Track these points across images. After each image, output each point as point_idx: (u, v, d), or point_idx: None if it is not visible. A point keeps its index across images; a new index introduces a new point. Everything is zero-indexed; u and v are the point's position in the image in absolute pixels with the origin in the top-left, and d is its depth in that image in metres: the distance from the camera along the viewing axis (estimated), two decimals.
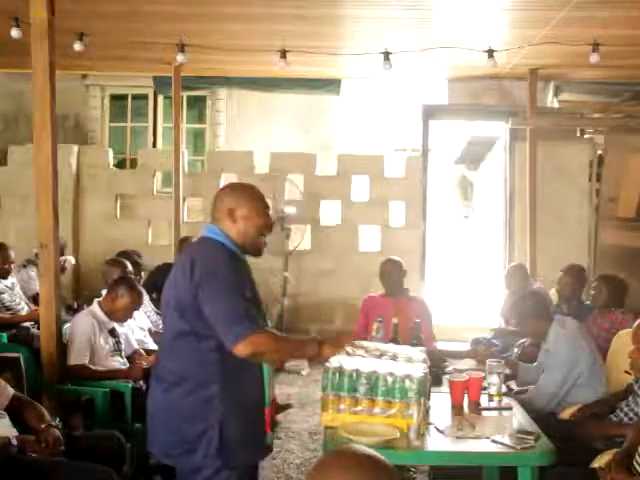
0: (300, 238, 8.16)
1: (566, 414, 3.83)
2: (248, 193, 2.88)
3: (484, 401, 3.60)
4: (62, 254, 6.52)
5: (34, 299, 6.03)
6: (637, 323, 3.25)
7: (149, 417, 2.85)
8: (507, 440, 3.08)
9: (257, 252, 2.90)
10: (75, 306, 6.26)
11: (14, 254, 6.06)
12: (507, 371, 4.09)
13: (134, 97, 10.18)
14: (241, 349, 2.61)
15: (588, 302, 5.49)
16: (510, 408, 3.58)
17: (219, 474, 2.69)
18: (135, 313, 4.88)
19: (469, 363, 4.47)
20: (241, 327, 2.62)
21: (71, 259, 7.35)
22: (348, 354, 3.22)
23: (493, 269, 8.94)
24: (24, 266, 6.67)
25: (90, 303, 4.76)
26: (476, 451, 3.10)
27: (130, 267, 5.75)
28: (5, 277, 5.97)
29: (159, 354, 2.97)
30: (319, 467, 1.56)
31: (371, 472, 1.52)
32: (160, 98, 9.94)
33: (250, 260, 2.92)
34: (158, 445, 2.82)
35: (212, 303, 2.66)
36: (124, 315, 4.66)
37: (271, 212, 2.96)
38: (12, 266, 6.06)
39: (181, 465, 2.79)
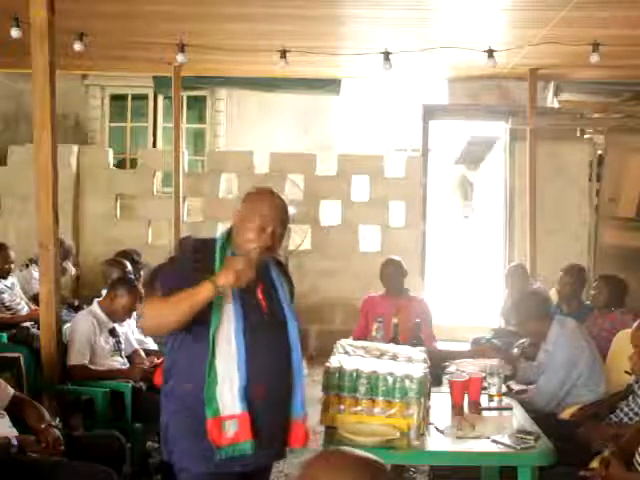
0: (301, 239, 8.15)
1: (566, 414, 3.83)
2: (250, 201, 2.75)
3: (484, 401, 3.60)
4: (65, 257, 6.52)
5: (34, 299, 6.02)
6: (635, 325, 3.25)
7: None
8: (507, 440, 3.08)
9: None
10: (76, 304, 6.27)
11: (14, 254, 6.06)
12: (507, 371, 4.10)
13: (134, 97, 10.17)
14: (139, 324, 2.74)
15: (588, 302, 5.49)
16: (510, 408, 3.59)
17: (176, 473, 2.71)
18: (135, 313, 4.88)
19: (473, 364, 4.46)
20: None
21: (72, 269, 7.31)
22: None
23: (493, 269, 8.94)
24: (26, 265, 6.67)
25: (90, 303, 4.77)
26: (476, 451, 3.10)
27: (130, 267, 5.75)
28: (5, 277, 5.97)
29: None
30: (308, 467, 1.54)
31: (363, 472, 1.51)
32: (160, 98, 9.93)
33: None
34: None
35: None
36: (124, 315, 4.66)
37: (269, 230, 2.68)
38: (12, 266, 6.06)
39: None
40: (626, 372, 3.55)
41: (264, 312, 2.70)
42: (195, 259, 2.68)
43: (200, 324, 2.58)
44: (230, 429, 2.56)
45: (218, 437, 2.56)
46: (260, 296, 2.71)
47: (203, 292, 2.52)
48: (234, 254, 2.67)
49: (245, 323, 2.62)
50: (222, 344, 2.58)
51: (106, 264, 5.83)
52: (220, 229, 2.88)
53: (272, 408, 2.67)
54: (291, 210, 8.65)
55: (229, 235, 2.74)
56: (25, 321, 5.74)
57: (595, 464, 3.12)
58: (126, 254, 6.47)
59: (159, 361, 4.52)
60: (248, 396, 2.58)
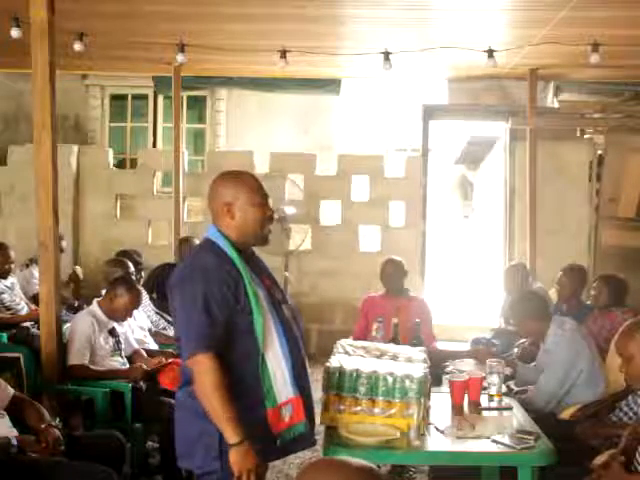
0: (302, 239, 8.15)
1: (566, 414, 3.83)
2: (243, 183, 2.69)
3: (484, 401, 3.60)
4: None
5: (34, 299, 6.02)
6: (617, 335, 3.24)
7: None
8: (507, 440, 3.08)
9: (262, 242, 2.77)
10: (76, 304, 6.27)
11: (14, 254, 6.06)
12: (507, 371, 4.10)
13: (134, 97, 10.18)
14: (188, 364, 2.59)
15: (588, 302, 5.49)
16: (510, 408, 3.59)
17: (219, 476, 2.63)
18: (135, 313, 4.88)
19: (470, 363, 4.47)
20: (190, 343, 2.56)
21: (79, 271, 7.32)
22: None
23: (493, 269, 8.94)
24: (26, 265, 6.67)
25: (90, 303, 4.77)
26: (476, 451, 3.10)
27: (132, 268, 5.74)
28: (5, 277, 5.97)
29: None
30: (304, 475, 1.53)
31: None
32: (160, 98, 9.93)
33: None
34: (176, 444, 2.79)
35: (176, 313, 2.64)
36: (123, 315, 4.66)
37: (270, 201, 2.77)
38: (12, 266, 6.05)
39: (187, 465, 2.77)
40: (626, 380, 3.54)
41: (278, 299, 2.80)
42: (227, 286, 2.61)
43: (244, 326, 2.62)
44: (287, 414, 2.68)
45: (277, 424, 2.65)
46: (268, 283, 2.80)
47: (228, 433, 2.53)
48: (239, 251, 2.68)
49: (279, 313, 2.73)
50: (267, 337, 2.65)
51: (108, 264, 5.82)
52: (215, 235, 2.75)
53: (309, 387, 2.81)
54: (291, 210, 8.69)
55: (225, 237, 2.69)
56: (25, 321, 5.74)
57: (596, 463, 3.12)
58: (127, 254, 6.47)
59: (168, 362, 4.53)
60: (296, 380, 2.70)
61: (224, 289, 2.58)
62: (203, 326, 2.54)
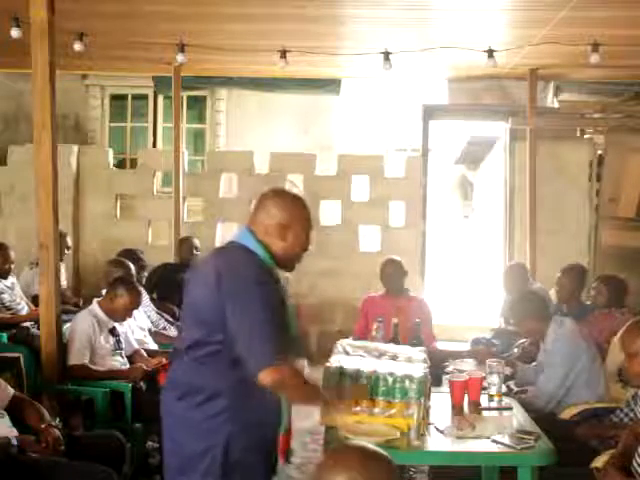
0: None
1: (566, 414, 3.83)
2: (301, 210, 2.69)
3: (484, 401, 3.60)
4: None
5: (34, 299, 6.02)
6: (621, 331, 3.24)
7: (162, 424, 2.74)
8: (507, 440, 3.08)
9: (292, 268, 2.77)
10: (81, 303, 6.28)
11: (14, 254, 6.05)
12: (507, 371, 4.10)
13: (134, 97, 10.18)
14: (262, 377, 2.45)
15: (588, 302, 5.49)
16: (510, 408, 3.59)
17: None
18: (135, 313, 4.88)
19: (470, 363, 4.47)
20: (265, 354, 2.46)
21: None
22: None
23: (493, 269, 8.94)
24: (36, 264, 6.64)
25: (90, 303, 4.77)
26: (476, 451, 3.10)
27: (133, 269, 5.72)
28: (5, 277, 5.97)
29: (173, 360, 2.78)
30: (320, 467, 1.58)
31: (369, 468, 1.54)
32: (160, 98, 9.93)
33: None
34: (165, 450, 2.71)
35: (240, 320, 2.49)
36: (123, 315, 4.66)
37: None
38: (12, 266, 6.05)
39: (178, 477, 2.65)
40: (624, 381, 3.55)
41: None
42: (279, 299, 2.63)
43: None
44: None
45: (282, 453, 2.68)
46: None
47: (317, 403, 2.81)
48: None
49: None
50: None
51: (110, 264, 5.81)
52: (242, 235, 2.70)
53: None
54: None
55: (269, 253, 2.64)
56: (25, 321, 5.74)
57: (596, 464, 3.12)
58: (129, 253, 6.45)
59: (168, 362, 4.52)
60: None
61: (277, 296, 2.62)
62: (273, 333, 2.49)
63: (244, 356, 2.49)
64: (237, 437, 2.54)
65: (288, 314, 2.69)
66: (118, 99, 10.21)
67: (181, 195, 8.07)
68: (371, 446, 1.63)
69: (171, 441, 2.67)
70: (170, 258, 7.60)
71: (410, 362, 3.30)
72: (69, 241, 7.00)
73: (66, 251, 6.55)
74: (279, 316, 2.56)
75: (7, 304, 5.90)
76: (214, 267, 2.58)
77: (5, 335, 5.25)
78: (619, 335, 3.21)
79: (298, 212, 2.68)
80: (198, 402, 2.56)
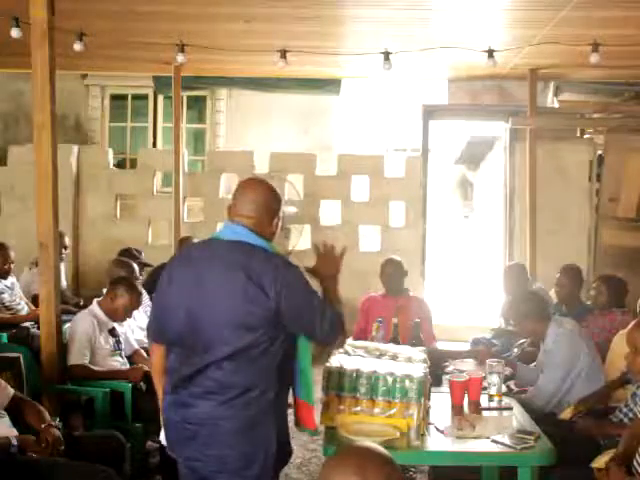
0: (297, 238, 8.15)
1: (566, 414, 3.83)
2: (278, 196, 2.87)
3: (484, 401, 3.60)
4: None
5: (34, 299, 6.02)
6: (631, 325, 3.25)
7: (189, 432, 2.68)
8: (507, 440, 3.09)
9: None
10: (81, 303, 6.27)
11: (14, 254, 6.05)
12: (507, 371, 4.10)
13: (134, 97, 10.18)
14: (344, 336, 2.85)
15: (588, 302, 5.49)
16: (510, 408, 3.59)
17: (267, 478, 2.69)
18: (135, 313, 4.88)
19: (470, 363, 4.47)
20: (338, 319, 2.76)
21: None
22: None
23: (493, 269, 8.94)
24: (36, 264, 6.64)
25: (90, 303, 4.77)
26: (476, 451, 3.10)
27: (137, 270, 5.72)
28: (5, 277, 5.97)
29: (201, 368, 2.66)
30: (325, 468, 1.60)
31: (369, 469, 1.55)
32: (160, 98, 9.93)
33: None
34: (203, 460, 2.67)
35: (303, 305, 2.69)
36: (123, 315, 4.66)
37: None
38: (12, 266, 6.05)
39: (232, 477, 2.68)
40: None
41: None
42: None
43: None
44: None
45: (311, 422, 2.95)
46: None
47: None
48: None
49: None
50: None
51: (113, 264, 5.80)
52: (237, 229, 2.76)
53: None
54: (292, 209, 8.66)
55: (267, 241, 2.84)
56: (25, 321, 5.74)
57: (596, 464, 3.12)
58: (127, 252, 6.45)
59: None
60: None
61: None
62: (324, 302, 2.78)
63: (317, 333, 2.72)
64: (280, 424, 2.74)
65: None
66: (118, 99, 10.21)
67: (181, 195, 8.07)
68: (375, 447, 1.63)
69: (225, 447, 2.64)
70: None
71: (410, 362, 3.31)
72: (67, 241, 6.99)
73: (64, 251, 6.53)
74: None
75: (7, 304, 5.90)
76: (243, 273, 2.63)
77: (5, 335, 5.25)
78: (628, 329, 3.21)
79: (278, 198, 2.85)
80: (248, 400, 2.63)
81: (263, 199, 2.78)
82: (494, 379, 3.64)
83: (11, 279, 6.09)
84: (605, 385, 3.97)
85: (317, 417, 3.05)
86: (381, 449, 1.64)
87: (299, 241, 8.18)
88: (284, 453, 2.79)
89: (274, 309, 2.60)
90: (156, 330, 2.85)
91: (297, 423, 2.95)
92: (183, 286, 2.71)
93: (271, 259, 2.69)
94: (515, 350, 4.81)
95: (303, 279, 2.72)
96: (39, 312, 4.45)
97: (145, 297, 5.40)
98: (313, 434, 3.07)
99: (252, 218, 2.74)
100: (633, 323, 3.19)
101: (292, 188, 8.06)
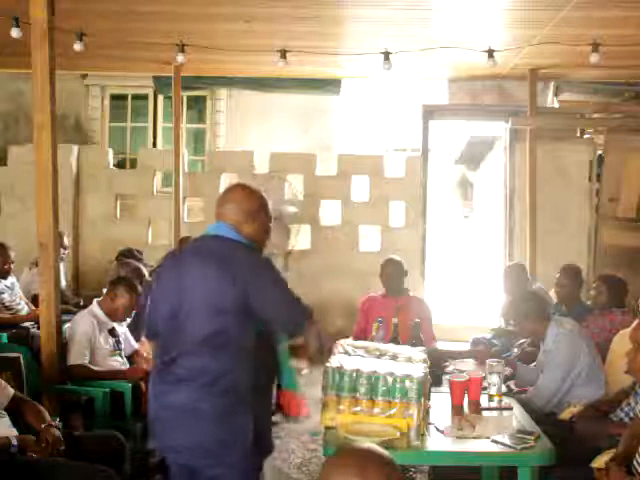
0: (295, 238, 8.16)
1: (566, 414, 3.83)
2: (263, 200, 3.02)
3: (484, 401, 3.60)
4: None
5: (34, 299, 6.02)
6: (635, 324, 3.25)
7: (167, 421, 2.78)
8: (507, 440, 3.08)
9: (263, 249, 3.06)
10: (82, 303, 6.27)
11: (14, 254, 6.05)
12: (507, 371, 4.10)
13: (134, 97, 10.18)
14: (307, 328, 2.84)
15: (588, 302, 5.49)
16: (510, 408, 3.59)
17: (247, 466, 2.76)
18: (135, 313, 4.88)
19: (470, 363, 4.47)
20: (303, 311, 2.89)
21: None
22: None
23: (493, 269, 8.93)
24: (36, 264, 6.64)
25: (90, 303, 4.77)
26: (476, 451, 3.10)
27: (144, 270, 5.71)
28: (5, 277, 5.97)
29: (171, 356, 2.81)
30: (325, 468, 1.60)
31: (369, 470, 1.55)
32: (160, 98, 9.94)
33: None
34: (182, 449, 2.76)
35: (271, 294, 2.83)
36: (123, 315, 4.66)
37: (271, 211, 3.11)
38: (12, 266, 6.05)
39: (210, 464, 2.75)
40: (626, 372, 3.54)
41: None
42: None
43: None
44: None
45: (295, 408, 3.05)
46: None
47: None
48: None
49: None
50: None
51: (118, 264, 5.79)
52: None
53: None
54: (294, 209, 8.67)
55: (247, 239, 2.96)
56: (25, 321, 5.74)
57: (596, 464, 3.12)
58: (130, 253, 6.44)
59: None
60: None
61: None
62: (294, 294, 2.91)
63: (283, 321, 2.86)
64: (259, 413, 2.78)
65: None
66: (118, 99, 10.21)
67: (181, 195, 8.07)
68: (375, 447, 1.64)
69: (200, 434, 2.72)
70: None
71: (410, 362, 3.31)
72: (66, 241, 6.99)
73: (63, 251, 6.53)
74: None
75: (7, 304, 5.90)
76: (214, 260, 2.81)
77: (5, 335, 5.25)
78: (633, 327, 3.21)
79: (261, 202, 3.01)
80: (223, 389, 2.72)
81: (241, 202, 2.96)
82: (494, 379, 3.64)
83: (11, 279, 6.09)
84: (616, 393, 3.95)
85: (316, 413, 3.08)
86: (381, 450, 1.64)
87: (296, 242, 8.19)
88: (265, 444, 2.86)
89: (242, 296, 2.74)
90: (147, 326, 3.03)
91: (285, 414, 3.03)
92: (168, 281, 2.91)
93: (243, 249, 2.87)
94: (515, 350, 4.81)
95: (272, 270, 2.88)
96: (39, 312, 4.45)
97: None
98: (314, 434, 3.10)
99: (232, 219, 2.93)
100: (638, 321, 3.19)
101: (291, 189, 8.07)
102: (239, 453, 2.71)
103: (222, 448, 2.70)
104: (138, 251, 6.78)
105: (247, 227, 2.93)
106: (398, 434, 3.00)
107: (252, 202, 2.98)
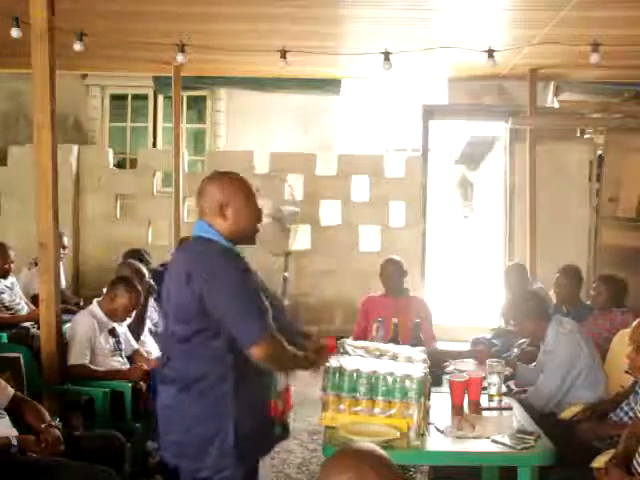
0: (294, 238, 8.16)
1: (567, 414, 3.83)
2: (237, 186, 2.82)
3: (484, 401, 3.60)
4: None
5: (34, 299, 6.01)
6: (635, 324, 3.25)
7: (159, 421, 2.82)
8: (507, 440, 3.08)
9: (251, 241, 2.87)
10: (81, 303, 6.27)
11: (14, 254, 6.05)
12: (507, 371, 4.10)
13: (134, 97, 10.18)
14: (254, 352, 2.60)
15: (588, 302, 5.49)
16: (510, 408, 3.59)
17: (232, 473, 2.68)
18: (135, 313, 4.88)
19: (470, 363, 4.46)
20: (253, 331, 2.60)
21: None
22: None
23: (493, 269, 8.94)
24: (36, 264, 6.64)
25: (90, 303, 4.77)
26: (476, 451, 3.10)
27: (146, 273, 5.70)
28: (5, 277, 5.97)
29: (165, 357, 2.85)
30: (323, 468, 1.61)
31: (370, 471, 1.55)
32: (160, 98, 9.94)
33: (250, 260, 2.93)
34: (170, 447, 2.79)
35: (223, 303, 2.62)
36: (123, 315, 4.66)
37: (260, 203, 2.91)
38: (12, 266, 6.05)
39: (192, 466, 2.74)
40: (626, 372, 3.55)
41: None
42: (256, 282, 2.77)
43: None
44: (280, 403, 2.81)
45: (276, 414, 2.78)
46: None
47: (303, 369, 2.85)
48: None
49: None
50: None
51: (124, 266, 5.78)
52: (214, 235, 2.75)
53: None
54: (295, 209, 8.68)
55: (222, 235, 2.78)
56: (25, 321, 5.74)
57: (596, 464, 3.12)
58: (138, 254, 6.39)
59: None
60: None
61: (247, 273, 2.73)
62: (258, 307, 2.64)
63: (237, 336, 2.61)
64: (242, 416, 2.66)
65: (260, 288, 2.77)
66: (118, 99, 10.21)
67: (181, 195, 8.07)
68: (373, 448, 1.64)
69: (183, 433, 2.72)
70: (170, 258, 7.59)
71: (410, 362, 3.31)
72: (66, 241, 6.99)
73: (62, 251, 6.52)
74: (254, 292, 2.67)
75: (7, 304, 5.90)
76: (182, 264, 2.76)
77: (5, 335, 5.25)
78: (633, 327, 3.21)
79: (233, 189, 2.80)
80: (201, 390, 2.67)
81: (209, 195, 2.83)
82: (494, 379, 3.64)
83: (11, 279, 6.09)
84: (616, 394, 3.95)
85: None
86: (379, 450, 1.64)
87: (294, 242, 8.19)
88: (251, 449, 2.72)
89: (198, 303, 2.62)
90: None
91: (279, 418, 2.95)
92: (165, 282, 2.86)
93: (206, 252, 2.72)
94: (515, 350, 4.81)
95: (233, 276, 2.65)
96: (39, 312, 4.45)
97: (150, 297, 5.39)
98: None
99: (205, 213, 2.82)
100: (638, 321, 3.19)
101: (290, 190, 8.07)
102: (216, 457, 2.66)
103: (198, 449, 2.67)
104: (146, 252, 6.71)
105: (220, 222, 2.76)
106: (398, 434, 3.00)
107: (219, 193, 2.79)
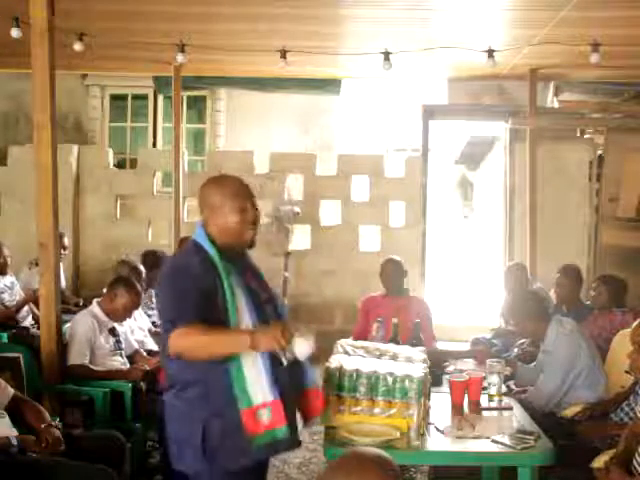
0: (293, 238, 8.16)
1: (569, 412, 3.82)
2: (225, 189, 2.81)
3: (484, 401, 3.60)
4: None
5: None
6: (635, 325, 3.25)
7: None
8: (507, 440, 3.08)
9: (244, 245, 2.84)
10: (81, 303, 6.27)
11: (8, 251, 6.06)
12: (507, 371, 4.10)
13: (134, 97, 10.18)
14: (170, 346, 2.63)
15: (588, 302, 5.49)
16: (510, 408, 3.59)
17: (207, 476, 2.70)
18: (135, 313, 4.88)
19: (470, 363, 4.47)
20: (168, 330, 2.64)
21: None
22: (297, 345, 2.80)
23: (493, 269, 8.94)
24: (36, 264, 6.64)
25: (90, 303, 4.77)
26: (476, 451, 3.10)
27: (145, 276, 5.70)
28: (1, 273, 5.97)
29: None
30: (326, 472, 1.60)
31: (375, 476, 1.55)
32: (160, 98, 9.94)
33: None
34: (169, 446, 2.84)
35: (162, 312, 2.82)
36: (123, 315, 4.66)
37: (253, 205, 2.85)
38: (8, 260, 6.05)
39: (176, 465, 2.78)
40: (626, 372, 3.55)
41: (262, 298, 2.84)
42: (202, 285, 2.66)
43: (217, 324, 2.65)
44: (265, 417, 2.66)
45: (254, 426, 2.64)
46: (251, 282, 2.84)
47: (240, 348, 2.62)
48: (221, 252, 2.74)
49: (260, 313, 2.75)
50: None
51: (118, 265, 5.78)
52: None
53: (293, 390, 2.80)
54: (296, 209, 8.69)
55: (210, 238, 2.78)
56: (23, 306, 5.75)
57: (596, 464, 3.12)
58: (152, 255, 6.34)
59: None
60: (275, 382, 2.68)
61: (201, 286, 2.65)
62: (186, 309, 2.61)
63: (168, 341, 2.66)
64: (213, 420, 2.65)
65: (221, 299, 2.67)
66: (118, 99, 10.21)
67: (181, 195, 8.06)
68: (378, 453, 1.63)
69: (169, 430, 2.79)
70: None
71: (410, 362, 3.31)
72: (66, 241, 6.99)
73: (62, 251, 6.52)
74: (195, 302, 2.61)
75: (7, 303, 5.90)
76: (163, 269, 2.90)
77: (5, 335, 5.25)
78: (633, 327, 3.21)
79: (222, 192, 2.80)
80: (174, 393, 2.74)
81: (201, 198, 2.86)
82: (494, 379, 3.64)
83: (10, 279, 6.10)
84: (616, 394, 3.96)
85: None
86: (384, 455, 1.63)
87: (292, 242, 8.19)
88: (222, 456, 2.66)
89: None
90: None
91: (308, 417, 2.95)
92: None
93: (172, 259, 2.86)
94: (515, 350, 4.81)
95: (175, 285, 2.66)
96: (39, 312, 4.45)
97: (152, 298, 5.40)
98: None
99: (202, 218, 2.86)
100: (638, 322, 3.19)
101: (288, 190, 8.08)
102: (191, 460, 2.68)
103: (177, 450, 2.74)
104: (163, 253, 6.64)
105: (211, 224, 2.78)
106: (398, 434, 3.00)
107: (210, 195, 2.82)
